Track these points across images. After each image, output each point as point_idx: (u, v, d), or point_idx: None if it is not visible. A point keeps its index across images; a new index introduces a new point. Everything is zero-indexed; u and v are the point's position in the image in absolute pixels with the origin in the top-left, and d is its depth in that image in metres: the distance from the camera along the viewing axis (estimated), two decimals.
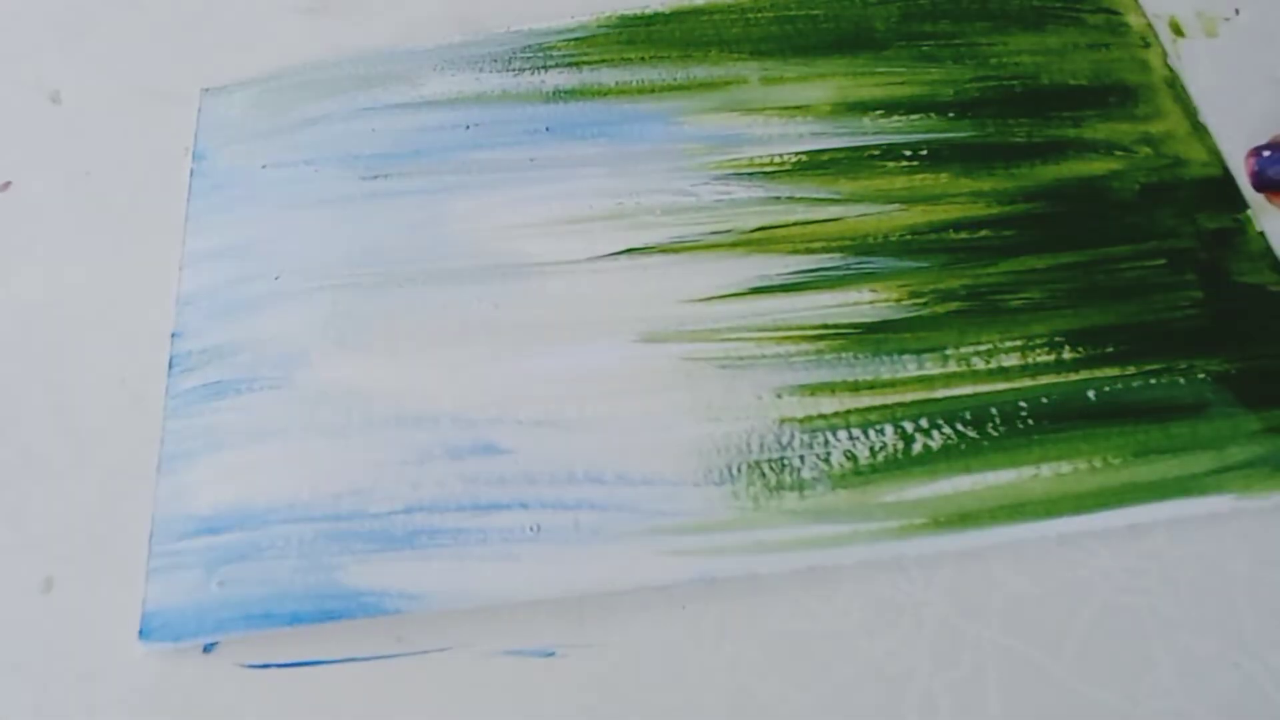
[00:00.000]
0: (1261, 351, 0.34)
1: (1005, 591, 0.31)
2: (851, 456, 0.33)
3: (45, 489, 0.36)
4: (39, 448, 0.37)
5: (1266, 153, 0.36)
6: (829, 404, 0.34)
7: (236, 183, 0.41)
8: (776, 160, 0.39)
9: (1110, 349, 0.34)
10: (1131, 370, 0.34)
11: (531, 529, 0.33)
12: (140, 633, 0.32)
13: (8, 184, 0.43)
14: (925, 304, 0.36)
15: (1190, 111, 0.39)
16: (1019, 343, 0.35)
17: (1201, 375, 0.34)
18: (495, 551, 0.32)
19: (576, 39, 0.43)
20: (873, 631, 0.31)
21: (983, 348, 0.35)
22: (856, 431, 0.33)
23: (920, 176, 0.38)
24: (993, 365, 0.34)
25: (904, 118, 0.40)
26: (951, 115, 0.40)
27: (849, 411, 0.34)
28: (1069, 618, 0.31)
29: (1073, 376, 0.34)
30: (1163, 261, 0.36)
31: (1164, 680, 0.30)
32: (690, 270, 0.37)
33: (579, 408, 0.34)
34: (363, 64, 0.43)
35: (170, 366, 0.37)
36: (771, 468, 0.33)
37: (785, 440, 0.33)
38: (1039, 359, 0.34)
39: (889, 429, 0.33)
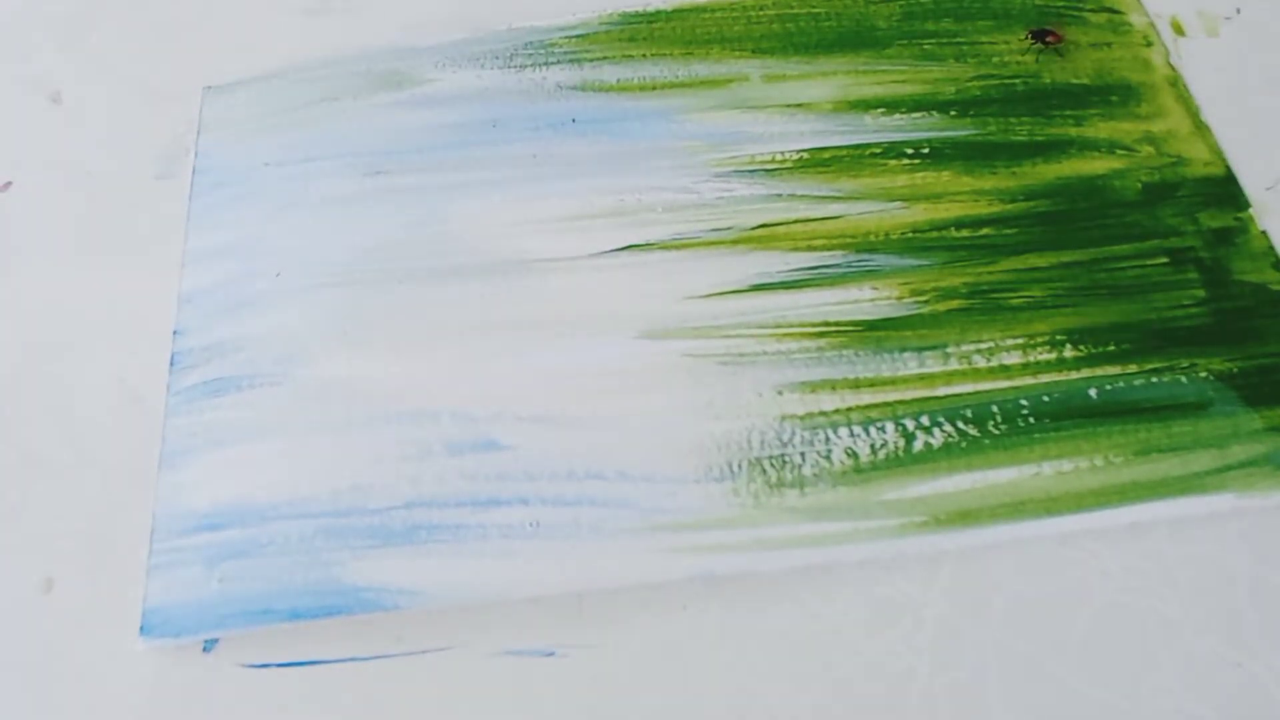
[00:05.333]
0: (1263, 350, 0.34)
1: (1006, 590, 0.31)
2: (852, 454, 0.33)
3: (45, 489, 0.36)
4: (39, 447, 0.36)
5: None
6: (830, 401, 0.34)
7: (238, 180, 0.41)
8: (778, 158, 0.39)
9: (1112, 347, 0.34)
10: (1133, 368, 0.34)
11: (531, 525, 0.33)
12: (141, 629, 0.32)
13: (8, 184, 0.43)
14: (926, 302, 0.36)
15: (1192, 110, 0.39)
16: (1020, 341, 0.34)
17: (1203, 374, 0.34)
18: (495, 548, 0.32)
19: (578, 36, 0.43)
20: (873, 630, 0.31)
21: (984, 345, 0.34)
22: (857, 429, 0.33)
23: (922, 174, 0.38)
24: (994, 363, 0.34)
25: (906, 116, 0.40)
26: (953, 113, 0.40)
27: (850, 409, 0.34)
28: (1070, 617, 0.31)
29: (1074, 375, 0.34)
30: (1164, 260, 0.36)
31: (1165, 680, 0.30)
32: (691, 267, 0.37)
33: (579, 404, 0.34)
34: (364, 62, 0.43)
35: (171, 364, 0.37)
36: (772, 465, 0.33)
37: (786, 437, 0.33)
38: (1040, 357, 0.34)
39: (890, 426, 0.33)
